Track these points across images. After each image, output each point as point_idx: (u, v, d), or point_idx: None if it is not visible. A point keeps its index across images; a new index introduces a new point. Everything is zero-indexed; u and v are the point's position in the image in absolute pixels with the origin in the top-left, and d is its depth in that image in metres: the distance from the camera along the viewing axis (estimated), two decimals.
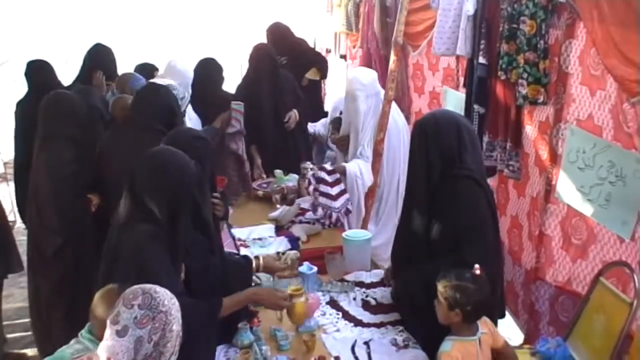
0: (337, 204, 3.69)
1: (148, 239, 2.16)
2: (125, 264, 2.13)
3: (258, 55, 4.66)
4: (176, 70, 4.38)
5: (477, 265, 2.23)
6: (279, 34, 5.41)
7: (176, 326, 1.63)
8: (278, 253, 2.98)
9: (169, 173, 2.24)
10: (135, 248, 2.14)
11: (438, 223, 2.52)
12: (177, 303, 1.68)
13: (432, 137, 2.55)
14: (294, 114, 4.67)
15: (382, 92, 3.99)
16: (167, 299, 1.64)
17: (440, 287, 2.24)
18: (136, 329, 1.57)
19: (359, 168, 3.89)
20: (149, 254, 2.14)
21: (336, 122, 4.32)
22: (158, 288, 1.67)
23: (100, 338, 1.81)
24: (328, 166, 3.87)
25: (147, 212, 2.20)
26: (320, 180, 3.70)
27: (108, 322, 1.62)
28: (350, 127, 4.04)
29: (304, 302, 2.50)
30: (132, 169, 2.29)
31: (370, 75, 4.03)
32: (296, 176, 4.27)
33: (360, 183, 3.89)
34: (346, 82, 4.18)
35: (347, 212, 3.80)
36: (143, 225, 2.18)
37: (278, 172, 4.33)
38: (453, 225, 2.46)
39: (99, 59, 4.83)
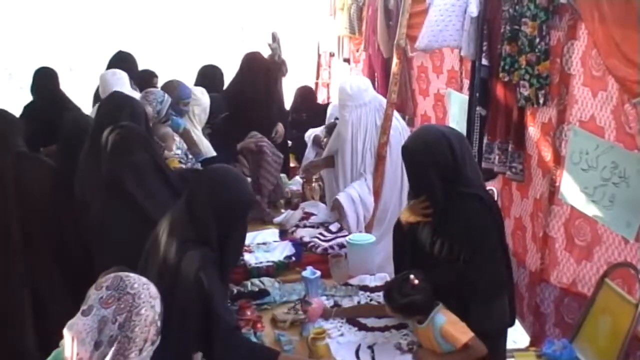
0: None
1: (208, 264, 2.19)
2: (185, 288, 2.15)
3: (255, 64, 4.66)
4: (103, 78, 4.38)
5: (412, 276, 2.33)
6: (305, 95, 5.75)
7: (146, 311, 1.58)
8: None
9: (228, 190, 2.27)
10: (196, 273, 2.15)
11: (443, 241, 2.51)
12: (152, 290, 1.64)
13: (427, 160, 2.47)
14: (280, 128, 4.72)
15: (377, 99, 3.84)
16: (139, 283, 1.61)
17: (389, 308, 2.41)
18: (100, 309, 1.55)
19: (357, 193, 3.74)
20: (210, 280, 2.16)
21: (330, 127, 4.25)
22: (132, 274, 1.65)
23: None
24: (333, 226, 3.64)
25: (201, 229, 2.23)
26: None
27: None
28: (338, 140, 3.87)
29: (327, 345, 2.48)
30: (191, 185, 2.35)
31: (357, 84, 3.75)
32: (300, 180, 4.27)
33: (361, 211, 3.76)
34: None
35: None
36: (203, 249, 2.21)
37: (282, 175, 4.33)
38: (459, 244, 2.46)
39: (123, 66, 4.80)
